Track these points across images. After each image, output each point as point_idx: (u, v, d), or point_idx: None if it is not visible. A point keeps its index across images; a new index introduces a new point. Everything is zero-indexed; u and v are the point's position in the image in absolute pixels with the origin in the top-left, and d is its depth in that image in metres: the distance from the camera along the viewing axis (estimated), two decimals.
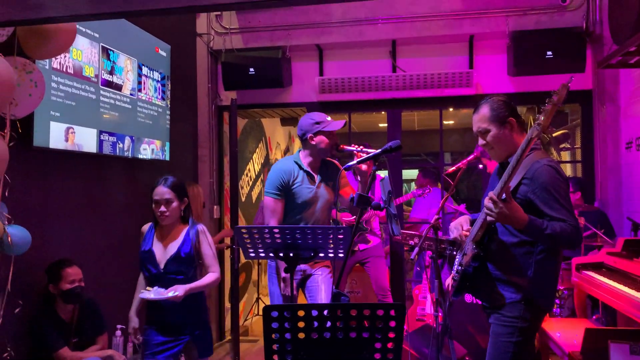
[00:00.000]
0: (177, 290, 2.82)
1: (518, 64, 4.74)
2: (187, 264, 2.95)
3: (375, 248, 4.77)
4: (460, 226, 2.37)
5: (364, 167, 2.88)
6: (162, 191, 2.94)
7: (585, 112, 5.05)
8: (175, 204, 2.95)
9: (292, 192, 3.12)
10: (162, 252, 2.97)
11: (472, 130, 2.38)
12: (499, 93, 2.38)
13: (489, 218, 2.14)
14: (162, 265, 2.94)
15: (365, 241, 4.71)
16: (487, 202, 2.11)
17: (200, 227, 3.04)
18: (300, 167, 3.16)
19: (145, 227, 3.08)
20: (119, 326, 3.37)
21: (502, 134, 2.29)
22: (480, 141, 2.36)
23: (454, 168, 3.43)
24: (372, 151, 2.65)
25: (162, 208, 2.92)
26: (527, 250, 2.23)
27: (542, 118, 2.01)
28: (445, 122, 9.20)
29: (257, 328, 6.22)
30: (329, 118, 3.17)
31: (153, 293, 2.85)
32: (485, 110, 2.32)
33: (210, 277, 3.00)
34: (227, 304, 5.71)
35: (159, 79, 4.37)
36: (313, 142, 3.12)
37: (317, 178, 3.20)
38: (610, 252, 3.52)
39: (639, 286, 2.93)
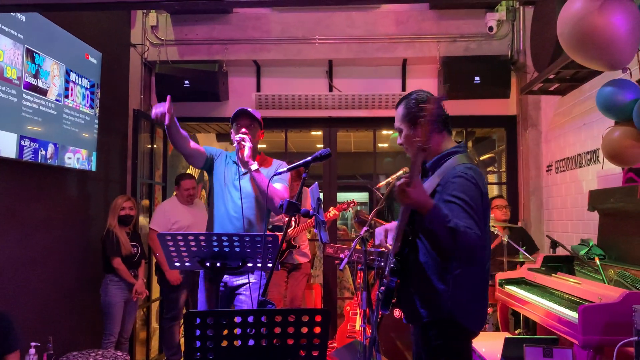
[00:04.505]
0: None
1: (448, 88, 4.92)
2: None
3: (304, 266, 4.79)
4: (385, 231, 2.23)
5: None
6: None
7: (510, 136, 5.31)
8: None
9: (214, 168, 3.10)
10: None
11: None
12: (423, 90, 2.25)
13: (398, 199, 1.92)
14: None
15: (293, 261, 4.69)
16: (397, 186, 1.89)
17: None
18: (231, 158, 3.11)
19: None
20: (33, 343, 3.16)
21: (413, 135, 2.10)
22: (398, 140, 2.25)
23: (383, 183, 3.49)
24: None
25: None
26: (443, 267, 2.05)
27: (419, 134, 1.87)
28: (380, 145, 9.40)
29: None
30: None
31: None
32: (400, 109, 2.21)
33: None
34: (155, 324, 5.49)
35: (88, 87, 4.21)
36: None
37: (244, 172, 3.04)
38: (531, 267, 3.68)
39: (556, 299, 3.07)
